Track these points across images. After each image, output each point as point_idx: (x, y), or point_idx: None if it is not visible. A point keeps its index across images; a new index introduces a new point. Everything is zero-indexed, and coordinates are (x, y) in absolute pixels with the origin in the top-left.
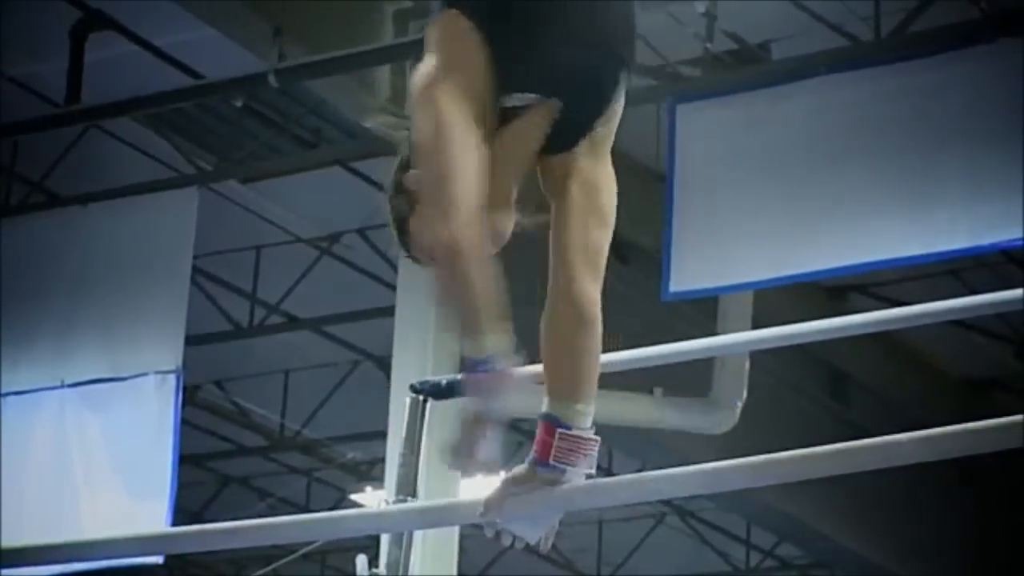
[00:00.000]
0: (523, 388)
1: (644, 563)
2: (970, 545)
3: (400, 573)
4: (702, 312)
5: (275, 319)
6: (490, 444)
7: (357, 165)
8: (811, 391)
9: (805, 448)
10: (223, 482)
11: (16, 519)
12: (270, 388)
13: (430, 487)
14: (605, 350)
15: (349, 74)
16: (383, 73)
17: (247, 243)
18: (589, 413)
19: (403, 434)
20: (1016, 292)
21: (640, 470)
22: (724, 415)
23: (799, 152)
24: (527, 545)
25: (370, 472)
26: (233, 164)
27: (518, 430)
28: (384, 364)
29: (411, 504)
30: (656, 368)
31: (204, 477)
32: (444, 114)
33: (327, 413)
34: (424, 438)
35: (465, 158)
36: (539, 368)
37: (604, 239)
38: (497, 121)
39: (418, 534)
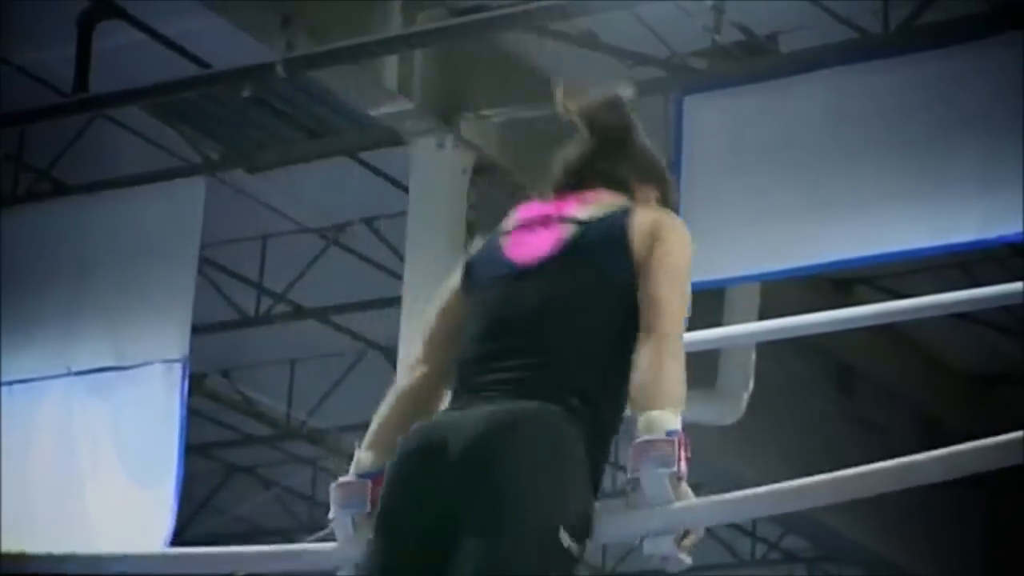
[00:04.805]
0: None
1: None
2: (978, 542)
3: None
4: (709, 303)
5: (281, 308)
6: None
7: (364, 155)
8: (817, 383)
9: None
10: (229, 471)
11: (21, 508)
12: (276, 377)
13: None
14: None
15: (357, 64)
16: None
17: (254, 232)
18: (644, 419)
19: None
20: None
21: None
22: (730, 406)
23: (806, 144)
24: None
25: None
26: (240, 153)
27: None
28: (390, 354)
29: None
30: None
31: (210, 466)
32: None
33: (333, 402)
34: None
35: None
36: None
37: None
38: None
39: None
